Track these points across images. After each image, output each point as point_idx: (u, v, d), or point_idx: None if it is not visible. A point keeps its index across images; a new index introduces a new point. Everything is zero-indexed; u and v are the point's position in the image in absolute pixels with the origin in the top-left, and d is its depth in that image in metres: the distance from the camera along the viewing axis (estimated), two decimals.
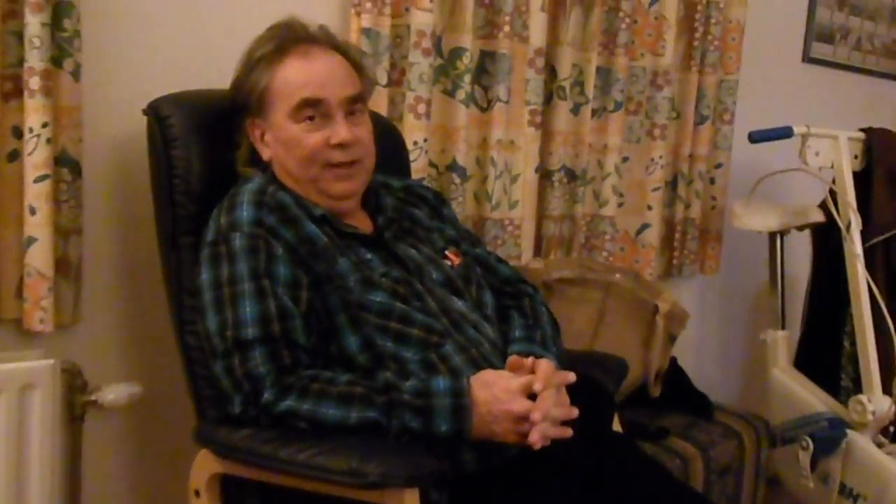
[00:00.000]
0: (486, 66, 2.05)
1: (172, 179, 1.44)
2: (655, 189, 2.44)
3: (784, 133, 2.34)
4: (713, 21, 2.51)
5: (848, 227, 2.35)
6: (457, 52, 1.96)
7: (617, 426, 1.63)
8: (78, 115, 1.48)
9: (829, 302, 2.62)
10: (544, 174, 2.22)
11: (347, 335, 1.33)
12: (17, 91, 1.42)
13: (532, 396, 1.26)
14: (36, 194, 1.42)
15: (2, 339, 1.48)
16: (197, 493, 1.34)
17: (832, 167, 2.42)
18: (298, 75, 1.38)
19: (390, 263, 1.40)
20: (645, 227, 2.45)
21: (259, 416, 1.26)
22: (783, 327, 2.55)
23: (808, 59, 3.07)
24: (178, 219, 1.44)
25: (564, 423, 1.26)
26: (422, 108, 1.89)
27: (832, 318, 2.62)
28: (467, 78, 1.97)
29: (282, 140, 1.40)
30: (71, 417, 1.56)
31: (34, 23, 1.39)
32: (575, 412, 1.28)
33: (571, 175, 2.27)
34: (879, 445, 2.29)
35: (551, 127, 2.20)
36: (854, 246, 2.35)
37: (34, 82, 1.39)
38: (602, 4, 2.25)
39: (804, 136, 2.35)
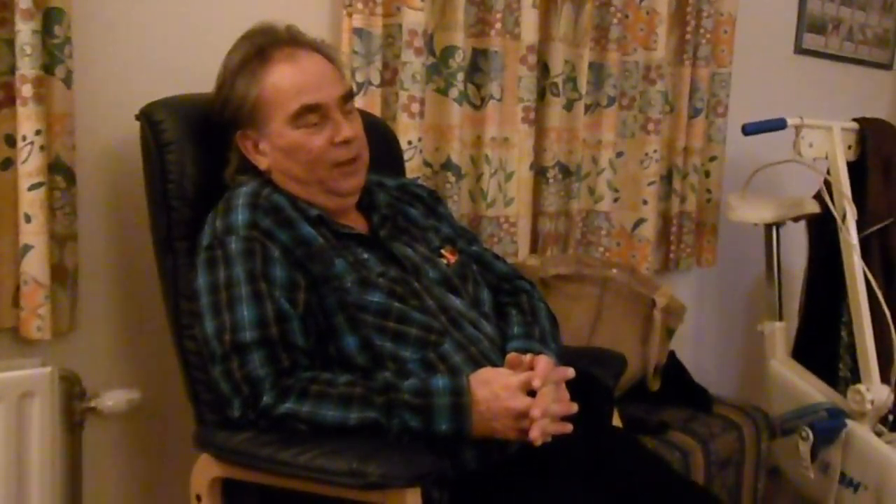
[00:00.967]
0: (478, 64, 2.05)
1: (167, 184, 1.44)
2: (650, 183, 2.44)
3: (777, 125, 2.34)
4: (705, 14, 2.51)
5: (843, 218, 2.36)
6: (449, 51, 1.96)
7: (617, 421, 1.63)
8: (71, 121, 1.48)
9: (825, 292, 2.62)
10: (539, 171, 2.22)
11: (345, 336, 1.33)
12: (10, 99, 1.41)
13: (531, 393, 1.26)
14: (30, 202, 1.41)
15: None
16: (198, 498, 1.34)
17: (826, 158, 2.43)
18: (290, 81, 1.37)
19: (387, 263, 1.40)
20: (641, 221, 2.45)
21: (258, 420, 1.26)
22: (780, 319, 2.55)
23: (800, 50, 3.07)
24: (174, 223, 1.44)
25: (564, 418, 1.26)
26: (415, 107, 1.89)
27: (829, 309, 2.63)
28: (460, 76, 1.97)
29: (282, 147, 1.39)
30: (70, 425, 1.55)
31: (25, 30, 1.38)
32: (574, 408, 1.28)
33: (566, 171, 2.27)
34: (878, 434, 2.30)
35: (545, 123, 2.20)
36: (850, 236, 2.35)
37: (26, 90, 1.39)
38: (593, 0, 2.25)
39: (798, 128, 2.36)
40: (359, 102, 1.77)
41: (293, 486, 1.25)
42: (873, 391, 2.27)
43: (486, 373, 1.30)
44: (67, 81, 1.46)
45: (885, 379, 2.31)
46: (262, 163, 1.42)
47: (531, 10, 2.07)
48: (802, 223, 2.65)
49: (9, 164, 1.44)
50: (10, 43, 1.40)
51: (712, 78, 2.60)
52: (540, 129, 2.20)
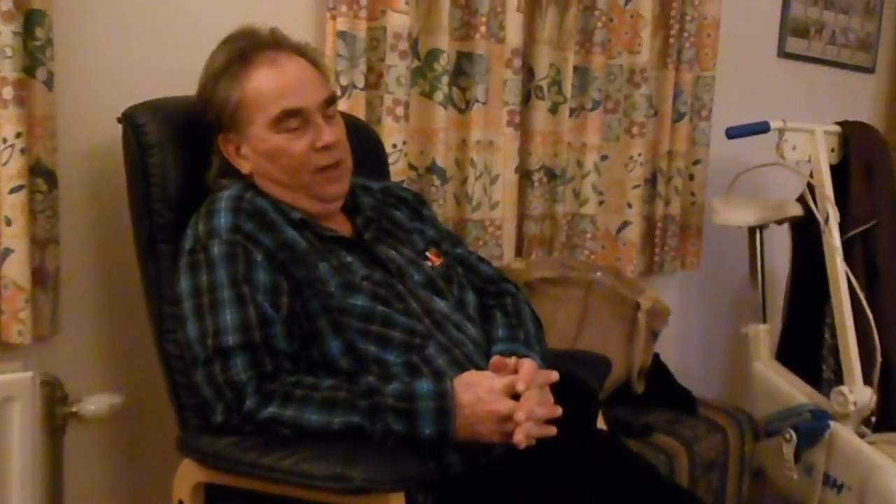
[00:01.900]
0: (463, 68, 2.05)
1: (149, 187, 1.43)
2: (635, 187, 2.45)
3: (761, 128, 2.35)
4: (688, 18, 2.52)
5: (826, 220, 2.37)
6: (434, 54, 1.96)
7: (601, 424, 1.63)
8: (52, 124, 1.47)
9: (809, 294, 2.64)
10: (524, 174, 2.22)
11: (329, 340, 1.32)
12: None
13: (516, 396, 1.26)
14: (11, 205, 1.40)
15: None
16: (181, 503, 1.33)
17: (809, 161, 2.44)
18: (271, 85, 1.37)
19: (371, 266, 1.40)
20: (625, 224, 2.46)
21: (242, 424, 1.26)
22: (764, 321, 2.57)
23: (783, 53, 3.09)
24: (156, 227, 1.43)
25: (548, 421, 1.27)
26: (400, 110, 1.88)
27: (813, 311, 2.65)
28: (445, 79, 1.97)
29: (263, 151, 1.38)
30: (51, 429, 1.54)
31: (6, 32, 1.37)
32: (559, 411, 1.28)
33: (551, 174, 2.28)
34: (861, 435, 2.31)
35: (530, 127, 2.21)
36: (833, 239, 2.37)
37: (7, 92, 1.38)
38: (578, 3, 2.25)
39: (781, 131, 2.37)
40: (343, 106, 1.77)
41: (277, 491, 1.24)
42: (856, 393, 2.29)
43: (471, 376, 1.30)
44: (49, 84, 1.45)
45: (867, 380, 2.33)
46: (245, 167, 1.41)
47: (516, 14, 2.07)
48: (786, 226, 2.67)
49: None
50: None
51: (696, 81, 2.61)
52: (525, 132, 2.20)
